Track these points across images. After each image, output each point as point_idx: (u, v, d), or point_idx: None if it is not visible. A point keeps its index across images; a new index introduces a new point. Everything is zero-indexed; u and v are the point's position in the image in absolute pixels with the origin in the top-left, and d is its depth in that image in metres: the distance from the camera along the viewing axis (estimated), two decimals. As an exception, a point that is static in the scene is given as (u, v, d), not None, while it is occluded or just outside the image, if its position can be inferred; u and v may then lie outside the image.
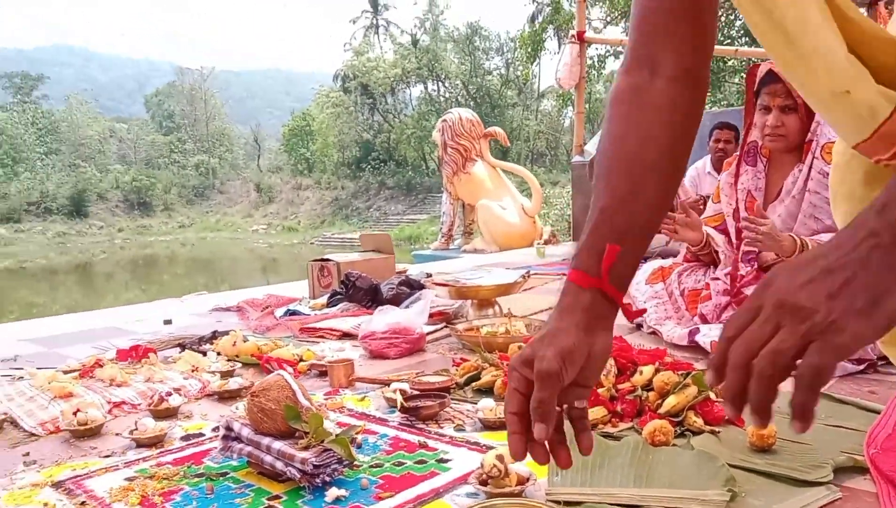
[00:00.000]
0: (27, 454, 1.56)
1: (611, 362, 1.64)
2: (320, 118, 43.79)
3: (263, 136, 60.83)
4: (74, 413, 1.68)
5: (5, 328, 3.37)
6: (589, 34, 6.83)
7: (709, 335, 2.04)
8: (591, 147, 6.84)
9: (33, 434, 1.70)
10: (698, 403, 1.50)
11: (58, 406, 1.80)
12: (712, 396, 1.52)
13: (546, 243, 6.00)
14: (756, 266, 2.18)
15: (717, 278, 2.23)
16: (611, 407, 1.54)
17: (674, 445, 1.38)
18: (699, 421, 1.46)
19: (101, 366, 2.05)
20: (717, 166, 4.78)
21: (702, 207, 4.28)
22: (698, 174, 4.89)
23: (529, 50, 20.34)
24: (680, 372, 1.59)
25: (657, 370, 1.62)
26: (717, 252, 2.33)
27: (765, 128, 2.14)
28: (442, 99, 39.26)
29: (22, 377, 2.10)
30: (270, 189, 45.19)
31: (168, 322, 2.97)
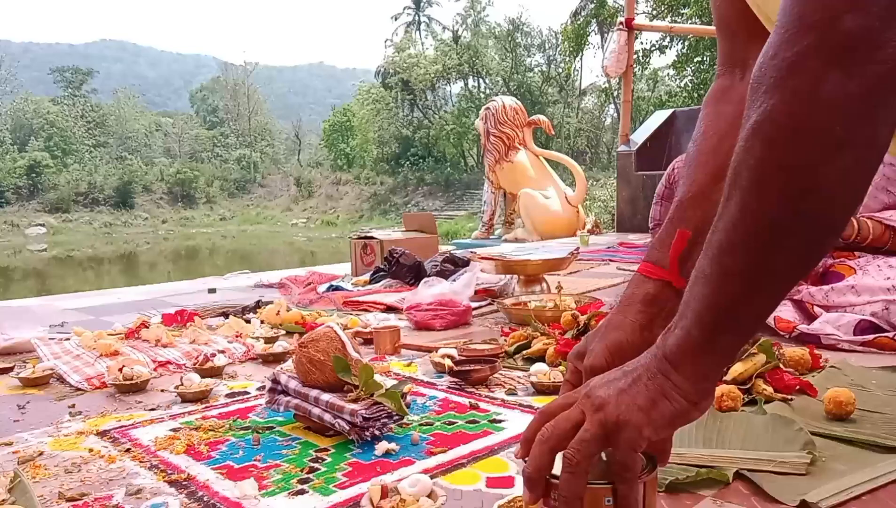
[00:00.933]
0: (73, 405, 1.55)
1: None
2: (360, 114, 44.02)
3: (304, 131, 61.43)
4: (120, 370, 1.67)
5: (53, 300, 3.41)
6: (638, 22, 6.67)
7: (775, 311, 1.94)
8: (637, 137, 6.70)
9: (79, 389, 1.69)
10: (767, 371, 1.41)
11: (104, 363, 1.79)
12: (782, 366, 1.43)
13: (590, 232, 5.89)
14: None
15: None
16: (672, 374, 1.46)
17: (742, 411, 1.30)
18: (769, 389, 1.37)
19: (146, 327, 2.04)
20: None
21: None
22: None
23: (573, 44, 20.13)
24: (746, 340, 1.50)
25: (721, 339, 1.53)
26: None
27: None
28: (482, 95, 39.06)
29: (69, 338, 2.10)
30: (310, 184, 45.60)
31: (212, 291, 2.97)
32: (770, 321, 1.91)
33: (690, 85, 16.94)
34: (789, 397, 1.35)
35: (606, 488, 0.64)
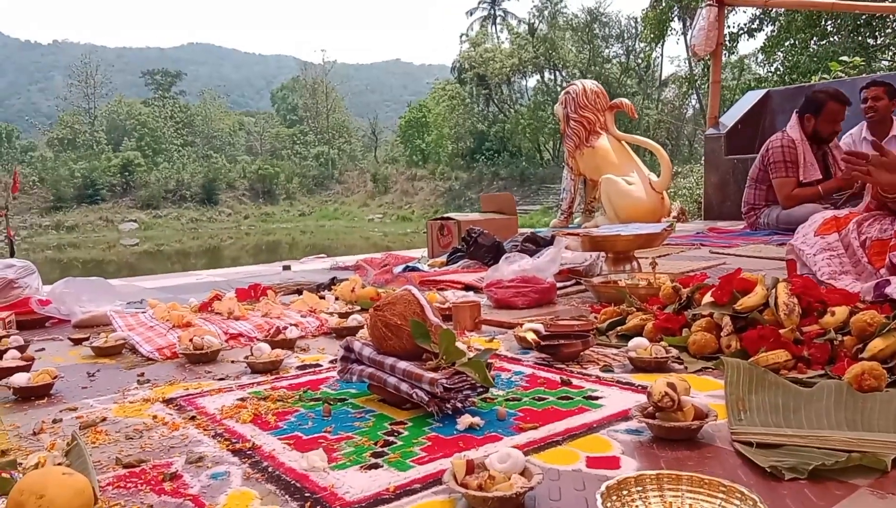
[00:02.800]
0: (142, 374, 1.49)
1: (794, 300, 1.36)
2: (436, 110, 44.09)
3: (380, 128, 62.12)
4: (190, 340, 1.60)
5: (134, 280, 3.45)
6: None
7: (904, 286, 1.70)
8: (727, 119, 6.33)
9: (150, 359, 1.63)
10: (914, 348, 1.20)
11: (175, 334, 1.73)
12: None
13: (676, 219, 5.59)
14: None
15: (913, 224, 1.88)
16: (796, 351, 1.27)
17: (886, 391, 1.10)
18: (917, 368, 1.17)
19: (219, 299, 1.98)
20: (872, 128, 4.28)
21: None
22: (854, 141, 4.38)
23: (654, 31, 19.44)
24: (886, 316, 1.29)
25: (852, 312, 1.33)
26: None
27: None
28: (558, 88, 38.40)
29: (144, 312, 2.07)
30: (386, 179, 46.01)
31: (287, 268, 2.91)
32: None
33: (782, 69, 16.05)
34: (946, 377, 1.14)
35: None
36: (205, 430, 1.10)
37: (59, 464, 0.92)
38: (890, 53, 14.80)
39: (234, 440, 1.04)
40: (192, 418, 1.17)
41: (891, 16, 13.70)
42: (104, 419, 1.18)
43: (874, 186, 1.95)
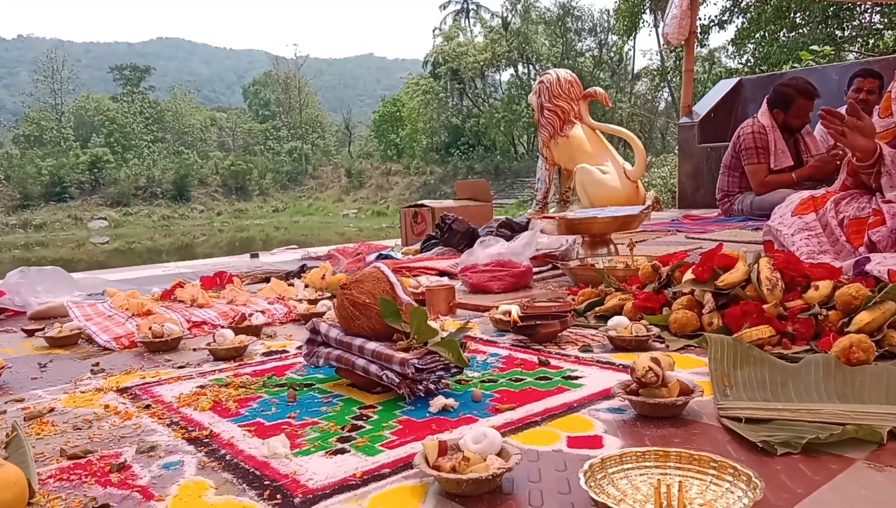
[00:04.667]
0: (97, 363, 1.40)
1: (777, 275, 1.32)
2: (410, 105, 43.89)
3: (354, 122, 61.66)
4: (150, 328, 1.52)
5: (98, 273, 3.33)
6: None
7: (884, 262, 1.67)
8: (700, 108, 6.34)
9: (107, 349, 1.55)
10: (901, 321, 1.17)
11: (134, 323, 1.64)
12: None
13: (651, 208, 5.58)
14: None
15: (892, 201, 1.85)
16: (780, 327, 1.23)
17: (875, 364, 1.06)
18: (905, 341, 1.13)
19: (182, 287, 1.89)
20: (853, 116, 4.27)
21: (839, 161, 3.81)
22: (824, 134, 4.39)
23: (627, 23, 19.50)
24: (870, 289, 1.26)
25: (836, 287, 1.29)
26: (881, 174, 1.94)
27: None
28: (532, 82, 38.48)
29: (103, 302, 1.97)
30: (360, 174, 45.73)
31: (255, 256, 2.82)
32: (885, 274, 1.65)
33: (752, 61, 16.18)
34: (935, 348, 1.11)
35: None
36: (160, 419, 1.03)
37: (-3, 457, 0.85)
38: (857, 45, 14.99)
39: (190, 429, 0.97)
40: (147, 406, 1.09)
41: (857, 8, 13.89)
42: (52, 410, 1.10)
43: (848, 149, 1.92)
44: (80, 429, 1.00)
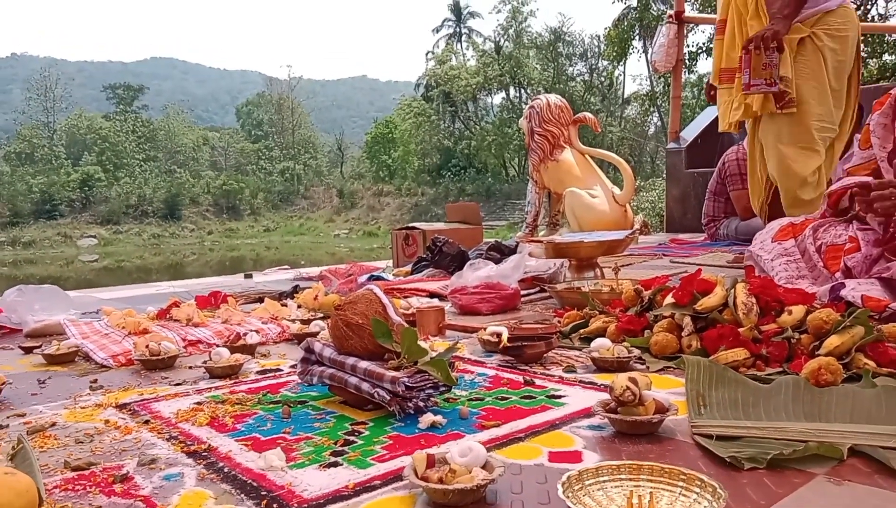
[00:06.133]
0: (95, 380, 1.44)
1: (752, 299, 1.38)
2: (403, 126, 44.18)
3: (347, 143, 61.96)
4: (147, 346, 1.56)
5: (92, 292, 3.36)
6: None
7: (858, 288, 1.74)
8: (688, 134, 6.45)
9: (104, 366, 1.58)
10: (868, 345, 1.23)
11: (131, 341, 1.68)
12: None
13: (639, 232, 5.66)
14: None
15: (867, 229, 1.92)
16: (754, 350, 1.29)
17: (842, 386, 1.11)
18: (871, 363, 1.19)
19: (177, 306, 1.93)
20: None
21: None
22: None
23: (617, 49, 19.78)
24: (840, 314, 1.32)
25: (808, 311, 1.35)
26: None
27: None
28: (524, 105, 38.85)
29: (99, 320, 2.01)
30: (352, 195, 45.89)
31: (248, 276, 2.87)
32: (858, 299, 1.71)
33: (740, 88, 16.42)
34: (898, 371, 1.16)
35: None
36: (159, 433, 1.07)
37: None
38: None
39: (189, 443, 1.01)
40: (146, 422, 1.13)
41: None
42: (53, 425, 1.14)
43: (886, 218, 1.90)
44: (82, 443, 1.04)
